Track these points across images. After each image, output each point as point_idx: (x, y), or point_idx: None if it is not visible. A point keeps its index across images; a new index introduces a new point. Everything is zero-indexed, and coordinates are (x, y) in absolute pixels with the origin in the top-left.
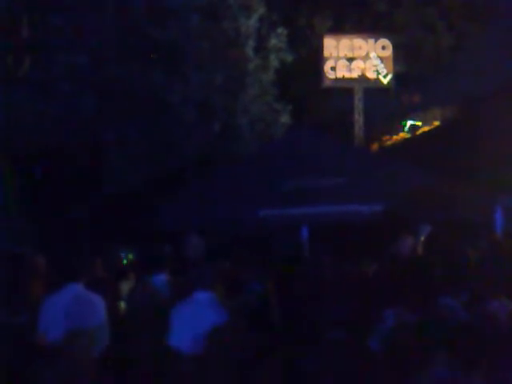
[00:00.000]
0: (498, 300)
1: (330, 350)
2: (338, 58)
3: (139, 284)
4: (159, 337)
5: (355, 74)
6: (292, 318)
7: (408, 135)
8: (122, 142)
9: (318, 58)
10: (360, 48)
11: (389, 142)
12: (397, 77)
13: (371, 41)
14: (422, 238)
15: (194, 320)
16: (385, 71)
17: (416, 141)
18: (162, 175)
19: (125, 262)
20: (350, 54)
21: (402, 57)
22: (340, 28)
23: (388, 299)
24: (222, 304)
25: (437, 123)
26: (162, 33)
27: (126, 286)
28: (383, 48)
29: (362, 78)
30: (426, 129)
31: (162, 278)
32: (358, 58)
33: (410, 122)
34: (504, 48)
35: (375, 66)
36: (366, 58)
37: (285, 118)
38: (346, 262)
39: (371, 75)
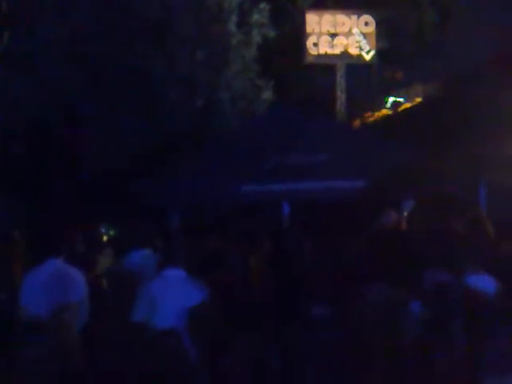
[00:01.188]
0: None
1: (314, 327)
2: (320, 34)
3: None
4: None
5: (338, 51)
6: (275, 294)
7: (390, 112)
8: (105, 117)
9: (300, 34)
10: (343, 24)
11: (371, 119)
12: (379, 53)
13: (354, 17)
14: (406, 214)
15: (169, 297)
16: (367, 47)
17: (398, 117)
18: (145, 151)
19: (105, 237)
20: (332, 30)
21: (385, 33)
22: (323, 4)
23: (371, 274)
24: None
25: (419, 100)
26: (145, 7)
27: (104, 262)
28: (366, 24)
29: (345, 54)
30: (408, 105)
31: (142, 254)
32: (340, 34)
33: (392, 99)
34: (489, 25)
35: (358, 42)
36: (349, 34)
37: (267, 94)
38: (327, 238)
39: (354, 51)
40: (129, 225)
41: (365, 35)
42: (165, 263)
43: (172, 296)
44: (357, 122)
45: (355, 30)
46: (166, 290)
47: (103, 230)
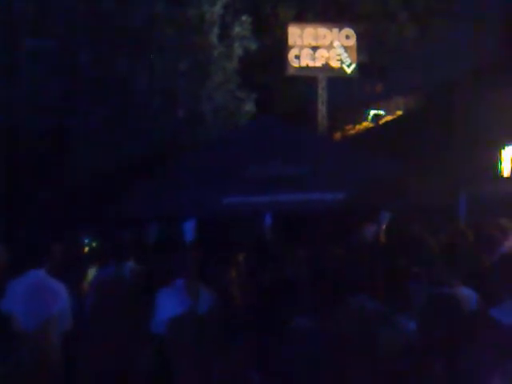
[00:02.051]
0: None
1: (296, 339)
2: (302, 47)
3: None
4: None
5: (319, 63)
6: (256, 306)
7: (371, 124)
8: (87, 127)
9: (281, 47)
10: (324, 37)
11: (352, 131)
12: (360, 66)
13: (335, 30)
14: (384, 226)
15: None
16: (348, 60)
17: (379, 130)
18: (126, 162)
19: (86, 249)
20: (314, 43)
21: (366, 46)
22: (304, 17)
23: (352, 287)
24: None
25: (400, 113)
26: (127, 19)
27: (90, 273)
28: (347, 37)
29: (326, 66)
30: (389, 118)
31: (130, 265)
32: (322, 47)
33: (373, 112)
34: (466, 39)
35: (339, 55)
36: (330, 47)
37: (249, 106)
38: (309, 250)
39: (335, 64)
40: (109, 236)
41: (346, 48)
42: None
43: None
44: (338, 135)
45: (336, 43)
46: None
47: (85, 241)
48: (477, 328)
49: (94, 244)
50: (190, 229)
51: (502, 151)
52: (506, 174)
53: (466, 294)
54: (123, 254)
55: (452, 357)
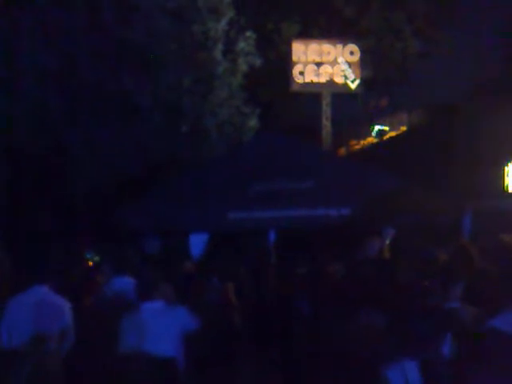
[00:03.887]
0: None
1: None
2: (306, 63)
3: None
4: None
5: (323, 79)
6: (256, 321)
7: (375, 140)
8: (90, 143)
9: (286, 63)
10: (328, 53)
11: (356, 147)
12: (364, 82)
13: (339, 46)
14: (388, 242)
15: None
16: (353, 76)
17: (383, 145)
18: (130, 177)
19: (90, 263)
20: (318, 59)
21: (370, 62)
22: (308, 33)
23: (358, 302)
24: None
25: (404, 128)
26: (131, 35)
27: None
28: (351, 53)
29: (330, 82)
30: (393, 133)
31: (126, 280)
32: (326, 63)
33: (377, 127)
34: (469, 54)
35: (343, 71)
36: (334, 63)
37: (253, 122)
38: (313, 266)
39: (339, 80)
40: (112, 251)
41: (350, 64)
42: (143, 295)
43: (159, 327)
44: (342, 150)
45: (340, 59)
46: (154, 319)
47: (88, 256)
48: (487, 343)
49: (96, 258)
50: (197, 243)
51: (506, 167)
52: (510, 189)
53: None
54: (126, 269)
55: (462, 372)
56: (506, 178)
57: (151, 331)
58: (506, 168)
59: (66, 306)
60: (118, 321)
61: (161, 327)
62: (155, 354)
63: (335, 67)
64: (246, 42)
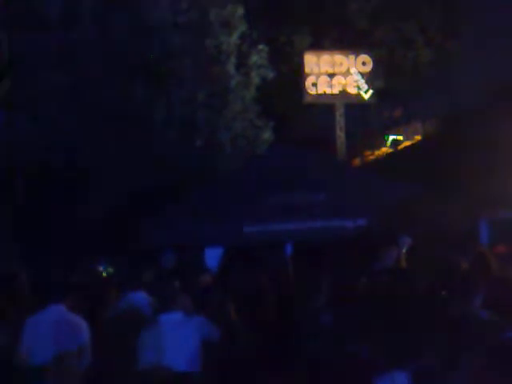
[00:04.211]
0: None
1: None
2: (319, 74)
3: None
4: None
5: (336, 90)
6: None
7: (390, 150)
8: (104, 159)
9: (298, 75)
10: (341, 64)
11: (371, 157)
12: (377, 92)
13: (352, 57)
14: (404, 251)
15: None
16: (366, 87)
17: (398, 155)
18: (146, 190)
19: (104, 274)
20: (330, 70)
21: (383, 72)
22: (320, 45)
23: (380, 313)
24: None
25: (418, 137)
26: (146, 49)
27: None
28: (364, 64)
29: (343, 93)
30: (407, 143)
31: (140, 295)
32: (338, 74)
33: (391, 137)
34: (481, 62)
35: (356, 81)
36: (347, 73)
37: (267, 135)
38: (330, 278)
39: (352, 91)
40: (127, 265)
41: (363, 75)
42: (161, 308)
43: (179, 339)
44: (357, 161)
45: (353, 70)
46: (173, 331)
47: (102, 268)
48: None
49: (109, 270)
50: (213, 256)
51: None
52: None
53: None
54: (140, 283)
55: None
56: None
57: (171, 343)
58: None
59: (83, 324)
60: (135, 336)
61: (181, 338)
62: (175, 367)
63: (348, 78)
64: (258, 55)
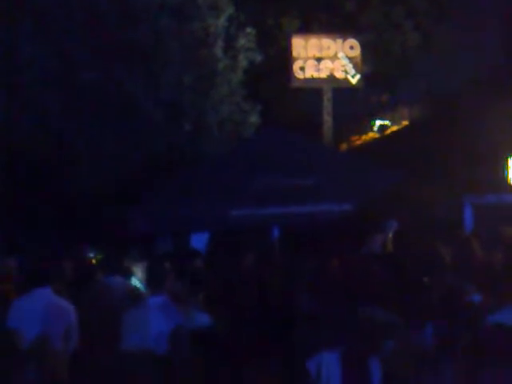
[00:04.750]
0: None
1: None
2: (306, 58)
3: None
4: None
5: (324, 74)
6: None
7: (377, 135)
8: (91, 142)
9: (286, 58)
10: (328, 48)
11: (358, 142)
12: (365, 76)
13: (339, 41)
14: (390, 235)
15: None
16: (353, 71)
17: (385, 140)
18: (132, 175)
19: (94, 261)
20: (318, 54)
21: (370, 57)
22: (308, 28)
23: (362, 297)
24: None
25: (405, 123)
26: (132, 32)
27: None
28: (351, 48)
29: (331, 77)
30: (394, 128)
31: (118, 280)
32: (326, 58)
33: (378, 122)
34: (470, 47)
35: (344, 65)
36: (335, 57)
37: (254, 118)
38: (315, 262)
39: (340, 75)
40: (111, 250)
41: (350, 59)
42: (148, 290)
43: (154, 322)
44: (344, 146)
45: (341, 54)
46: (149, 316)
47: (91, 255)
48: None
49: (99, 256)
50: (200, 240)
51: (509, 160)
52: None
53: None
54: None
55: (474, 365)
56: (509, 171)
57: (155, 326)
58: (507, 161)
59: (70, 307)
60: (112, 318)
61: (165, 321)
62: (158, 350)
63: (335, 62)
64: (246, 39)
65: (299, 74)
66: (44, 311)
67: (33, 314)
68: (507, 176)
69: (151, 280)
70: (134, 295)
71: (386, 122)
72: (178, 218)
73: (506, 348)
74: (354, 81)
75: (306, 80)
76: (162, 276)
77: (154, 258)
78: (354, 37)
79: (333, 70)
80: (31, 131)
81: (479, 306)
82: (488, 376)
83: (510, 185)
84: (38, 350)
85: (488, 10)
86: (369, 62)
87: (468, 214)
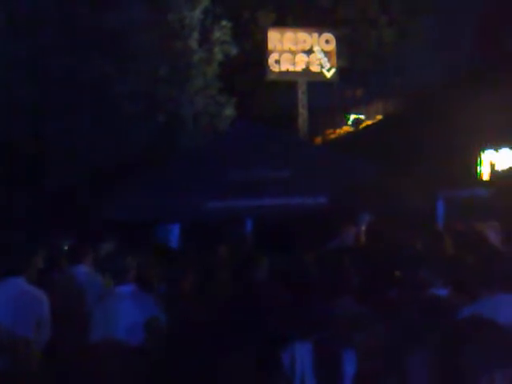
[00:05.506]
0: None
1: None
2: (282, 52)
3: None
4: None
5: (299, 68)
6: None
7: (351, 129)
8: (64, 133)
9: (262, 52)
10: (304, 41)
11: (332, 136)
12: (340, 71)
13: (315, 35)
14: (363, 228)
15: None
16: (328, 65)
17: (359, 134)
18: (107, 167)
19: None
20: (293, 48)
21: (346, 51)
22: (284, 22)
23: (335, 291)
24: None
25: (379, 117)
26: (106, 23)
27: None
28: (327, 42)
29: (306, 71)
30: (369, 122)
31: (82, 271)
32: (301, 52)
33: (353, 116)
34: (444, 42)
35: (319, 59)
36: (310, 51)
37: (229, 111)
38: (289, 255)
39: (315, 69)
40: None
41: (325, 53)
42: (115, 280)
43: (124, 311)
44: (318, 139)
45: (316, 48)
46: (118, 305)
47: (65, 247)
48: (474, 329)
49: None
50: (173, 231)
51: (482, 155)
52: (485, 177)
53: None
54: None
55: (448, 358)
56: (481, 166)
57: (123, 316)
58: (481, 155)
59: (43, 297)
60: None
61: (132, 311)
62: (126, 341)
63: (311, 56)
64: (221, 31)
65: (274, 67)
66: (16, 300)
67: (5, 304)
68: (480, 170)
69: (115, 270)
70: (99, 285)
71: (361, 116)
72: (152, 209)
73: (482, 338)
74: (328, 75)
75: (281, 73)
76: (126, 266)
77: (118, 248)
78: (330, 31)
79: (308, 63)
80: (3, 121)
81: (446, 299)
82: (461, 367)
83: (482, 179)
84: (10, 339)
85: (462, 6)
86: (344, 56)
87: (440, 208)
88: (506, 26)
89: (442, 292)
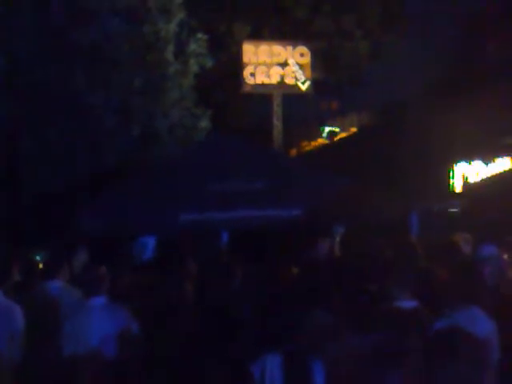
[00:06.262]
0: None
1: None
2: (257, 64)
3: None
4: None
5: (274, 80)
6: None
7: (326, 141)
8: (40, 143)
9: (237, 64)
10: (279, 54)
11: (307, 148)
12: (315, 83)
13: (290, 48)
14: (338, 239)
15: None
16: (303, 78)
17: (334, 147)
18: (82, 179)
19: (41, 266)
20: (268, 61)
21: (320, 64)
22: (259, 35)
23: (310, 302)
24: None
25: (354, 129)
26: (82, 35)
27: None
28: (301, 55)
29: (281, 84)
30: (343, 135)
31: (57, 284)
32: (276, 65)
33: (327, 128)
34: (419, 55)
35: (294, 72)
36: (285, 64)
37: (204, 123)
38: (265, 267)
39: (290, 81)
40: (56, 253)
41: (300, 66)
42: (87, 293)
43: (96, 324)
44: (293, 151)
45: (291, 61)
46: (90, 318)
47: (39, 258)
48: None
49: (46, 259)
50: (148, 246)
51: (455, 167)
52: (457, 189)
53: (413, 307)
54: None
55: (427, 370)
56: (454, 178)
57: (97, 329)
58: (454, 168)
59: (16, 309)
60: (52, 324)
61: (106, 324)
62: (99, 354)
63: (286, 68)
64: (197, 44)
65: (250, 80)
66: None
67: None
68: (453, 183)
69: (86, 283)
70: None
71: (335, 129)
72: (126, 222)
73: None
74: (303, 87)
75: (256, 86)
76: (97, 278)
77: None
78: (305, 44)
79: (283, 76)
80: None
81: (412, 311)
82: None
83: (455, 191)
84: None
85: (438, 21)
86: (319, 68)
87: (414, 219)
88: (481, 40)
89: (409, 304)
